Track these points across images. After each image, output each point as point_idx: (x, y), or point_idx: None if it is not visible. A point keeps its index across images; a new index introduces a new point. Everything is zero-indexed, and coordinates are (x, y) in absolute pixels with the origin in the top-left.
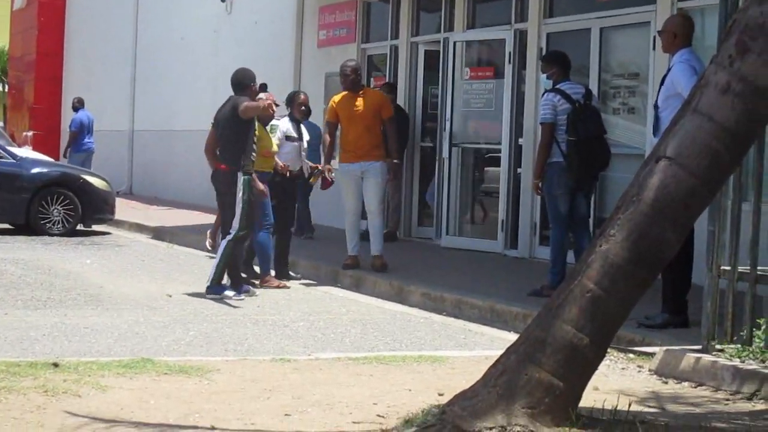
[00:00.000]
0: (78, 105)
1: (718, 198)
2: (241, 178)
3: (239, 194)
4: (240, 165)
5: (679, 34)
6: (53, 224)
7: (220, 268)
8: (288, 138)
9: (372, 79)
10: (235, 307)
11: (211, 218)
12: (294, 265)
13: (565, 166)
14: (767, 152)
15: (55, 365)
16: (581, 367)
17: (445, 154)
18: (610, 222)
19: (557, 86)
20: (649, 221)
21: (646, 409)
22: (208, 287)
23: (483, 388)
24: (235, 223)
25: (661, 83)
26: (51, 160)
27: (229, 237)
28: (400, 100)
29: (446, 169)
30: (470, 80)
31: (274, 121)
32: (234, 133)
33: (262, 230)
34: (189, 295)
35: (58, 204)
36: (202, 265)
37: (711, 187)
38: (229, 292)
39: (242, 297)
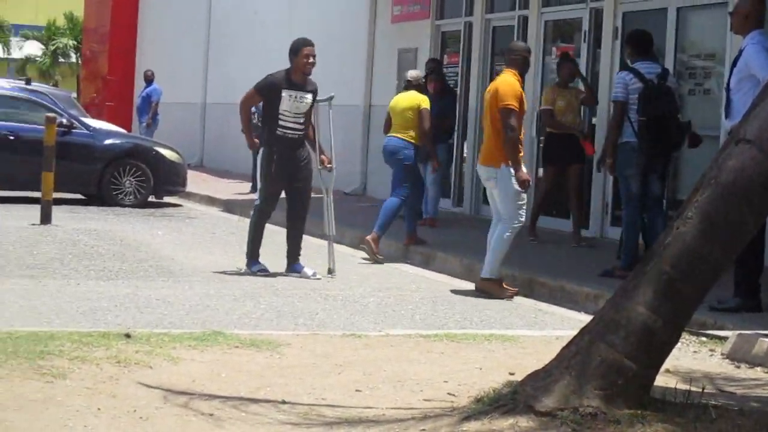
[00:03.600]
0: (152, 77)
1: None
2: (261, 152)
3: (258, 167)
4: (261, 139)
5: (751, 15)
6: (125, 195)
7: (248, 241)
8: None
9: (446, 56)
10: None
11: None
12: (360, 239)
13: (637, 146)
14: None
15: (128, 336)
16: (655, 349)
17: (533, 134)
18: (687, 204)
19: (633, 65)
20: (726, 204)
21: (719, 393)
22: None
23: (556, 368)
24: (257, 195)
25: (733, 65)
26: (124, 131)
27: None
28: (474, 79)
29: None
30: (557, 58)
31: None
32: (263, 107)
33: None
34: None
35: (130, 175)
36: (273, 239)
37: None
38: (254, 267)
39: (260, 273)
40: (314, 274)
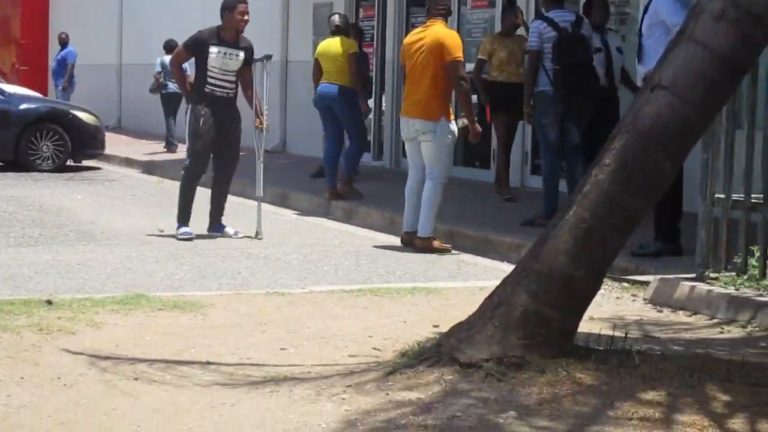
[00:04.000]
0: (66, 39)
1: (711, 126)
2: (188, 110)
3: (187, 126)
4: (190, 95)
5: None
6: (43, 160)
7: (178, 203)
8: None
9: (361, 10)
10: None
11: None
12: (285, 197)
13: (553, 95)
14: (761, 80)
15: (49, 303)
16: (577, 297)
17: None
18: (605, 152)
19: (546, 14)
20: (643, 151)
21: (642, 338)
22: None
23: (479, 319)
24: (186, 154)
25: (645, 11)
26: (39, 95)
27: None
28: (389, 32)
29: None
30: (472, 9)
31: None
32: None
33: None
34: None
35: (47, 140)
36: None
37: (706, 116)
38: (180, 230)
39: (182, 236)
40: (236, 233)
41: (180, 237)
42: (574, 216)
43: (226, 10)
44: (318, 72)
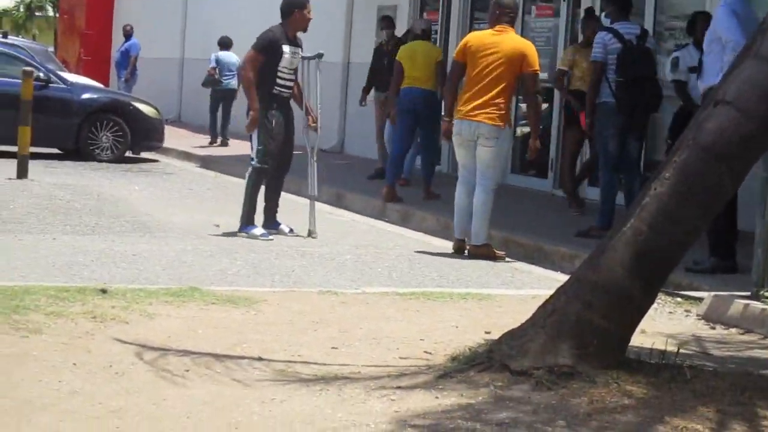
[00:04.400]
0: (131, 31)
1: None
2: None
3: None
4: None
5: None
6: (102, 150)
7: (245, 203)
8: (693, 70)
9: (425, 13)
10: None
11: None
12: (341, 197)
13: (615, 107)
14: None
15: (104, 291)
16: (631, 310)
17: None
18: (665, 165)
19: (612, 25)
20: (705, 165)
21: (694, 354)
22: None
23: (531, 327)
24: (252, 154)
25: (707, 27)
26: (101, 86)
27: (248, 170)
28: (453, 36)
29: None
30: (536, 18)
31: (675, 53)
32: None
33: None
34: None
35: (107, 130)
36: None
37: None
38: (256, 231)
39: (264, 237)
40: (291, 231)
41: (262, 238)
42: (632, 228)
43: (297, 8)
44: (400, 75)
